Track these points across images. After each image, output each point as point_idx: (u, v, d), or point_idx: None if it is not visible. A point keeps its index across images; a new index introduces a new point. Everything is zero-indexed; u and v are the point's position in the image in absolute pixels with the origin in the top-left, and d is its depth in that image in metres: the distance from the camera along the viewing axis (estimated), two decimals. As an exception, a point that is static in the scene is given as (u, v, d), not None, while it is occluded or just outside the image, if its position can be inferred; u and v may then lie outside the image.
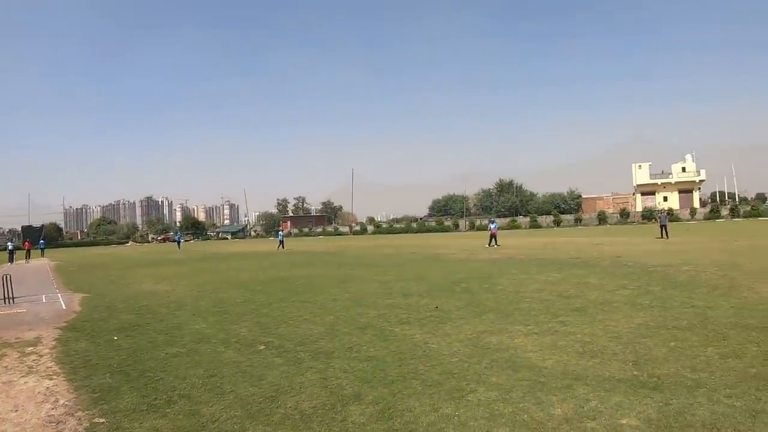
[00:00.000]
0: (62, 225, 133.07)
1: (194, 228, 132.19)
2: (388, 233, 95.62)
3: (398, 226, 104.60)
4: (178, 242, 73.73)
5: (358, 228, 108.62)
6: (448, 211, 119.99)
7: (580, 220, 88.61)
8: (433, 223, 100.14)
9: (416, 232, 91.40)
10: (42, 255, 58.75)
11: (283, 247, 48.38)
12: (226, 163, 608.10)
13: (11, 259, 44.67)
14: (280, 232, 58.94)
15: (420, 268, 22.17)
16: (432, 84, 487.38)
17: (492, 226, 38.12)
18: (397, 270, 21.48)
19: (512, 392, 6.07)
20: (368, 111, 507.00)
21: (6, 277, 17.49)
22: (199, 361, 8.46)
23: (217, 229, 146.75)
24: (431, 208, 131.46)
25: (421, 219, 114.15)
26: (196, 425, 5.78)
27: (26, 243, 55.66)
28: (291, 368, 7.71)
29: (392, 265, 24.40)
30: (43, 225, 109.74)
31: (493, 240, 35.87)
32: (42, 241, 69.01)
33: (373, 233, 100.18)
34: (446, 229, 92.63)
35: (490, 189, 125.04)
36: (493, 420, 5.30)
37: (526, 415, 5.37)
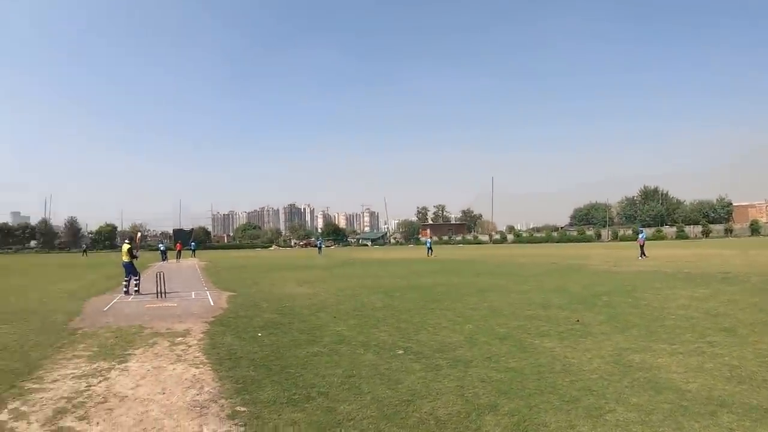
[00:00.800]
0: (210, 229, 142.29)
1: (335, 234, 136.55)
2: (528, 242, 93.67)
3: (538, 235, 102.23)
4: (319, 247, 76.63)
5: (497, 237, 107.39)
6: (590, 220, 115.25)
7: (731, 231, 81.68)
8: (575, 233, 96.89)
9: (557, 242, 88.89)
10: (193, 255, 63.55)
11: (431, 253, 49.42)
12: (367, 171, 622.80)
13: (164, 258, 48.85)
14: (428, 240, 59.38)
15: (560, 279, 21.46)
16: (572, 87, 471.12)
17: (640, 236, 36.37)
18: (536, 280, 20.93)
19: (652, 415, 5.75)
20: (506, 117, 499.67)
21: (159, 275, 18.98)
22: (339, 361, 8.71)
23: (357, 236, 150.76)
24: (572, 217, 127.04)
25: (562, 228, 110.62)
26: (333, 422, 5.94)
27: (177, 244, 60.56)
28: (429, 374, 7.74)
29: (532, 275, 23.82)
30: (192, 228, 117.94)
31: (642, 251, 34.11)
32: (193, 243, 74.95)
33: (513, 242, 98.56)
34: (588, 239, 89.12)
35: (633, 197, 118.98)
36: None
37: None
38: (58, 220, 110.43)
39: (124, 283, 19.24)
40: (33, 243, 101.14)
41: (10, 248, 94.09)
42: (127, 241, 20.78)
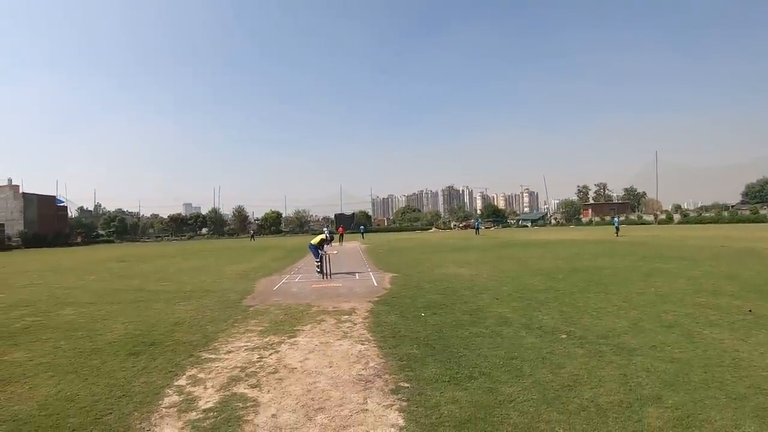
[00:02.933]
0: (370, 212, 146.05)
1: (494, 215, 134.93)
2: (697, 223, 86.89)
3: (707, 215, 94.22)
4: (477, 228, 76.51)
5: (663, 216, 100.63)
6: (764, 198, 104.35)
7: None
8: (747, 212, 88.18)
9: (728, 222, 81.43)
10: (362, 238, 65.85)
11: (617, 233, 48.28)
12: (526, 151, 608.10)
13: (328, 243, 50.85)
14: (615, 219, 56.67)
15: (732, 264, 19.72)
16: (738, 45, 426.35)
17: None
18: (706, 265, 19.39)
19: None
20: (666, 90, 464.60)
21: (325, 257, 19.88)
22: (501, 343, 8.76)
23: (517, 217, 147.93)
24: (745, 194, 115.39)
25: (732, 207, 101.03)
26: (494, 402, 6.04)
27: (340, 228, 63.05)
28: (591, 360, 7.60)
29: (701, 259, 22.09)
30: (354, 213, 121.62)
31: None
32: (362, 227, 77.73)
33: (680, 223, 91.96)
34: (763, 219, 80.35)
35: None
36: None
37: None
38: (227, 209, 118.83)
39: (317, 263, 20.45)
40: (204, 230, 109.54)
41: (185, 235, 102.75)
42: (327, 234, 22.35)
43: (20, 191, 76.01)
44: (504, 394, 6.27)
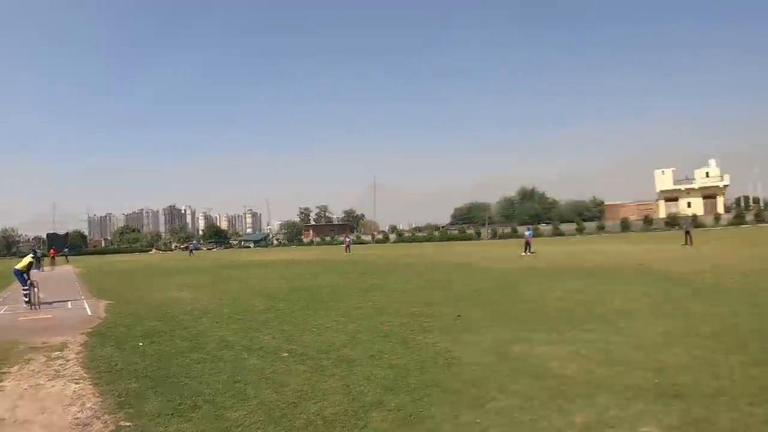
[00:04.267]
0: (86, 233, 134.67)
1: (217, 236, 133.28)
2: (411, 242, 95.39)
3: (421, 234, 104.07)
4: (191, 251, 75.22)
5: (380, 236, 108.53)
6: (470, 220, 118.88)
7: (603, 228, 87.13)
8: (456, 232, 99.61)
9: (439, 241, 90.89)
10: (66, 261, 59.94)
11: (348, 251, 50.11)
12: (248, 172, 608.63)
13: (38, 267, 45.54)
14: (349, 239, 60.22)
15: (443, 277, 22.12)
16: (451, 90, 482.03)
17: (527, 233, 38.63)
18: (419, 279, 21.43)
19: (533, 400, 6.10)
20: (390, 117, 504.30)
21: (33, 284, 17.82)
22: (223, 367, 8.58)
23: (240, 238, 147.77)
24: (454, 216, 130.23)
25: (443, 227, 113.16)
26: (221, 429, 5.90)
27: (51, 250, 56.82)
28: (314, 375, 7.78)
29: (415, 273, 24.37)
30: (67, 233, 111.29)
31: (528, 247, 35.86)
32: (67, 249, 70.84)
33: (396, 242, 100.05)
34: (469, 238, 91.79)
35: (512, 197, 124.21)
36: (514, 427, 5.36)
37: (546, 423, 5.41)
38: None
39: (24, 292, 17.89)
40: None
41: None
42: (32, 254, 19.91)
43: None
44: (230, 420, 6.15)
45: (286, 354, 9.24)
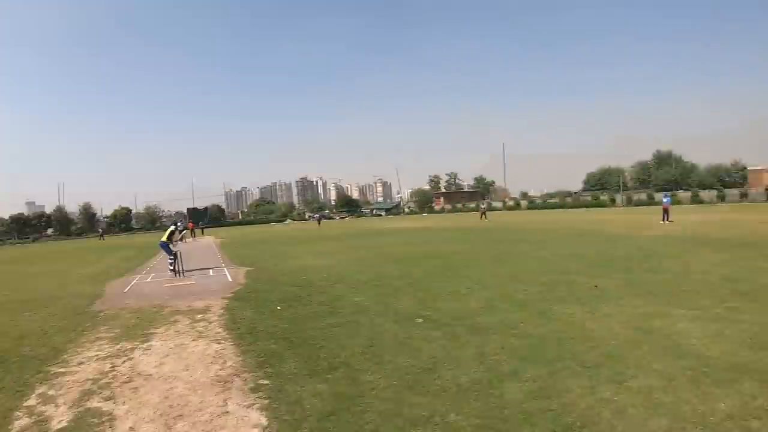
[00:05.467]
0: (224, 206, 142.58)
1: (348, 206, 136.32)
2: (542, 209, 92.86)
3: (552, 201, 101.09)
4: (319, 220, 77.52)
5: (511, 203, 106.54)
6: (603, 186, 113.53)
7: (746, 195, 79.40)
8: (589, 198, 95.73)
9: (571, 207, 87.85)
10: (202, 233, 63.93)
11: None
12: (380, 142, 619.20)
13: (180, 239, 49.13)
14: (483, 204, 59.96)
15: (576, 244, 21.22)
16: (583, 51, 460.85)
17: (665, 200, 35.93)
18: (553, 246, 20.68)
19: (674, 381, 5.73)
20: (516, 81, 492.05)
21: (177, 253, 19.07)
22: (359, 331, 8.75)
23: (371, 207, 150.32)
24: (586, 182, 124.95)
25: (575, 193, 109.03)
26: (356, 392, 5.98)
27: (190, 223, 60.97)
28: (449, 342, 7.77)
29: (548, 241, 23.60)
30: (207, 207, 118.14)
31: (666, 215, 33.68)
32: (205, 221, 75.75)
33: (527, 208, 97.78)
34: (602, 204, 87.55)
35: (647, 161, 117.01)
36: (653, 409, 5.07)
37: (687, 407, 5.05)
38: (73, 207, 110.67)
39: (170, 261, 19.38)
40: (50, 231, 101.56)
41: (28, 237, 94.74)
42: (173, 226, 21.78)
43: None
44: (366, 383, 6.23)
45: (420, 320, 9.27)
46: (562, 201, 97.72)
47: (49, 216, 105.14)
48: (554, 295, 10.72)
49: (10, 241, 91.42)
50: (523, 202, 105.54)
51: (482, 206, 61.56)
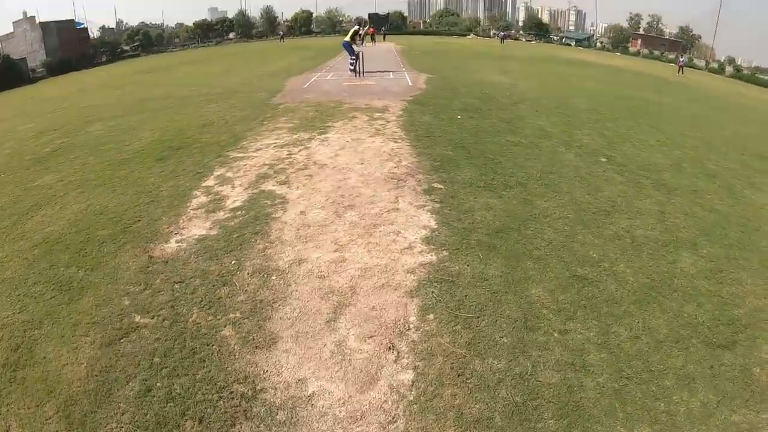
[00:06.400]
0: (406, 13, 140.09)
1: (537, 29, 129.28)
2: (749, 81, 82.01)
3: (762, 77, 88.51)
4: (503, 39, 74.33)
5: (714, 65, 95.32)
6: None
7: None
8: None
9: None
10: (384, 39, 63.70)
11: None
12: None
13: (361, 41, 49.20)
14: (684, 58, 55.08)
15: None
16: None
17: None
18: (755, 125, 17.76)
19: None
20: None
21: (359, 54, 19.07)
22: (539, 155, 8.46)
23: (561, 34, 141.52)
24: None
25: None
26: (529, 215, 5.87)
27: (371, 28, 60.59)
28: (630, 190, 7.33)
29: (750, 119, 20.49)
30: (388, 13, 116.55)
31: None
32: (385, 27, 75.27)
33: (731, 76, 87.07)
34: None
35: None
36: None
37: None
38: (254, 12, 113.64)
39: (351, 61, 19.63)
40: (231, 35, 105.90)
41: (211, 41, 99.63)
42: (356, 26, 21.82)
43: (36, 22, 73.17)
44: (539, 208, 6.04)
45: (604, 159, 8.77)
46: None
47: (231, 20, 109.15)
48: (746, 178, 9.40)
49: (194, 45, 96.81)
50: (729, 68, 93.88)
51: (681, 59, 55.73)
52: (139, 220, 5.92)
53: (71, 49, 73.95)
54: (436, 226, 5.39)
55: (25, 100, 25.47)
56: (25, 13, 75.32)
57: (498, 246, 5.11)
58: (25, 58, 65.44)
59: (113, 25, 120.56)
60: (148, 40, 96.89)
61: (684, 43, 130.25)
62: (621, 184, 7.47)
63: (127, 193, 6.89)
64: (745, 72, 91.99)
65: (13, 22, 73.40)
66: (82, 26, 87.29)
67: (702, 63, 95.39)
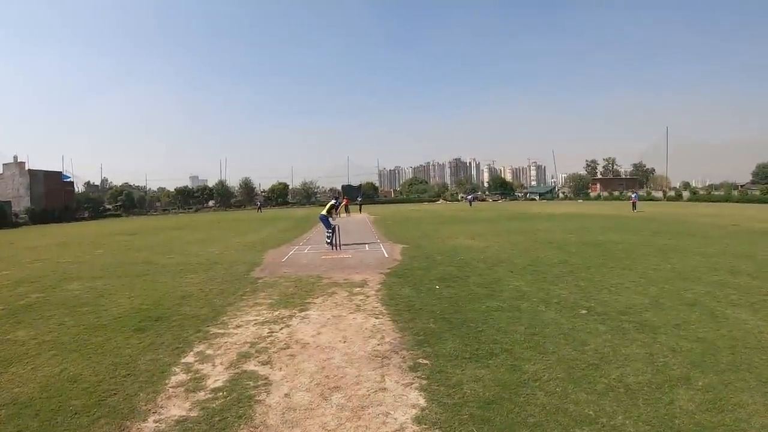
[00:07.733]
0: (377, 184, 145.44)
1: (502, 188, 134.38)
2: (706, 201, 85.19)
3: (717, 193, 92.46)
4: (471, 202, 77.28)
5: (672, 194, 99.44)
6: None
7: None
8: (757, 192, 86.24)
9: (737, 202, 79.79)
10: (360, 210, 65.64)
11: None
12: (535, 125, 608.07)
13: (338, 206, 50.76)
14: (635, 194, 58.30)
15: (746, 243, 19.05)
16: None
17: None
18: (720, 243, 18.72)
19: None
20: (680, 66, 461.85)
21: (335, 227, 19.66)
22: (520, 317, 8.51)
23: (525, 190, 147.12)
24: (756, 174, 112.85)
25: (742, 186, 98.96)
26: (518, 381, 5.81)
27: (345, 199, 62.78)
28: (615, 338, 7.34)
29: (714, 237, 21.36)
30: (360, 184, 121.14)
31: None
32: (358, 198, 78.05)
33: (689, 200, 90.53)
34: None
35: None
36: None
37: None
38: (233, 181, 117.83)
39: (327, 234, 20.15)
40: (211, 203, 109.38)
41: (191, 207, 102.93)
42: (333, 200, 22.57)
43: (26, 168, 75.49)
44: (528, 373, 6.01)
45: (584, 311, 8.86)
46: (728, 194, 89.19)
47: (211, 189, 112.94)
48: (725, 298, 9.72)
49: (174, 210, 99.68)
50: (685, 193, 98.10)
51: (632, 196, 58.96)
52: (115, 394, 5.76)
53: (56, 199, 74.98)
54: (425, 404, 5.30)
55: (5, 246, 26.15)
56: (15, 158, 76.80)
57: (491, 418, 5.02)
58: (10, 201, 66.01)
59: (98, 182, 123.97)
60: (130, 201, 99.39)
61: (640, 178, 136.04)
62: (605, 334, 7.50)
63: (103, 363, 6.79)
64: (702, 193, 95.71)
65: (3, 164, 75.16)
66: (68, 179, 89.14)
67: (660, 194, 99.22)
